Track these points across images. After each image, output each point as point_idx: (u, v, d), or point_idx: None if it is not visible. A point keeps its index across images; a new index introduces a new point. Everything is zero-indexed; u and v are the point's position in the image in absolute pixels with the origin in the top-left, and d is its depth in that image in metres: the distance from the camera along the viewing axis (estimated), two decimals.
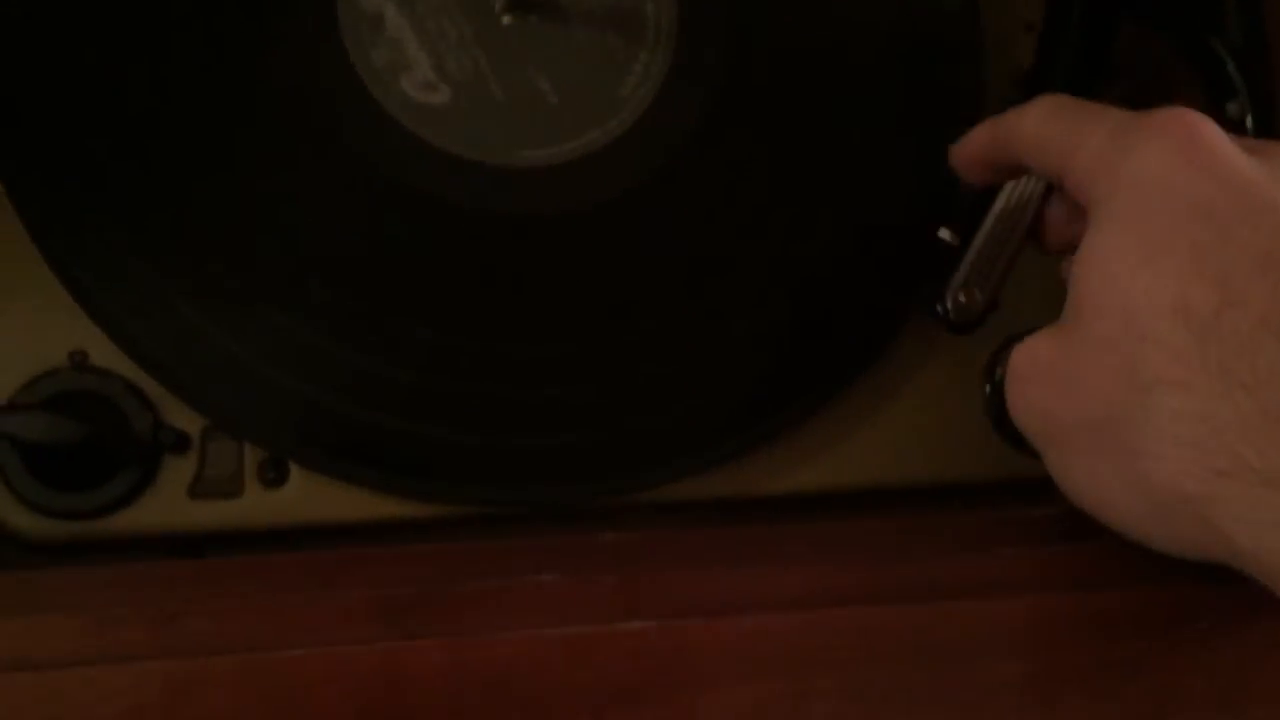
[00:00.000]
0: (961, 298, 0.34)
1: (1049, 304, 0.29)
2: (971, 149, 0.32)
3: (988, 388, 0.31)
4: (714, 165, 0.35)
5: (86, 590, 0.28)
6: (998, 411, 0.29)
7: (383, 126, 0.34)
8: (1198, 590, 0.26)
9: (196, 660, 0.24)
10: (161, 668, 0.24)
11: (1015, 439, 0.29)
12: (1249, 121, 0.33)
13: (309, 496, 0.35)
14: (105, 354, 0.34)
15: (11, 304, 0.34)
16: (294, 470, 0.35)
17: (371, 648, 0.24)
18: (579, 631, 0.24)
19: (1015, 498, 0.36)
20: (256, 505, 0.35)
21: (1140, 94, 0.34)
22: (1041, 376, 0.28)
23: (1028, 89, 0.35)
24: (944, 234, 0.34)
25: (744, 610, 0.24)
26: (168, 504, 0.34)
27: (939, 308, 0.34)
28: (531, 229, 0.35)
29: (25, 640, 0.24)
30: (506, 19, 0.35)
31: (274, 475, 0.35)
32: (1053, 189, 0.32)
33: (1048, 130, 0.29)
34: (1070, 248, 0.30)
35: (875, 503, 0.36)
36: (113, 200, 0.34)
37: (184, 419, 0.34)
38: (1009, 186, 0.32)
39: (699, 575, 0.25)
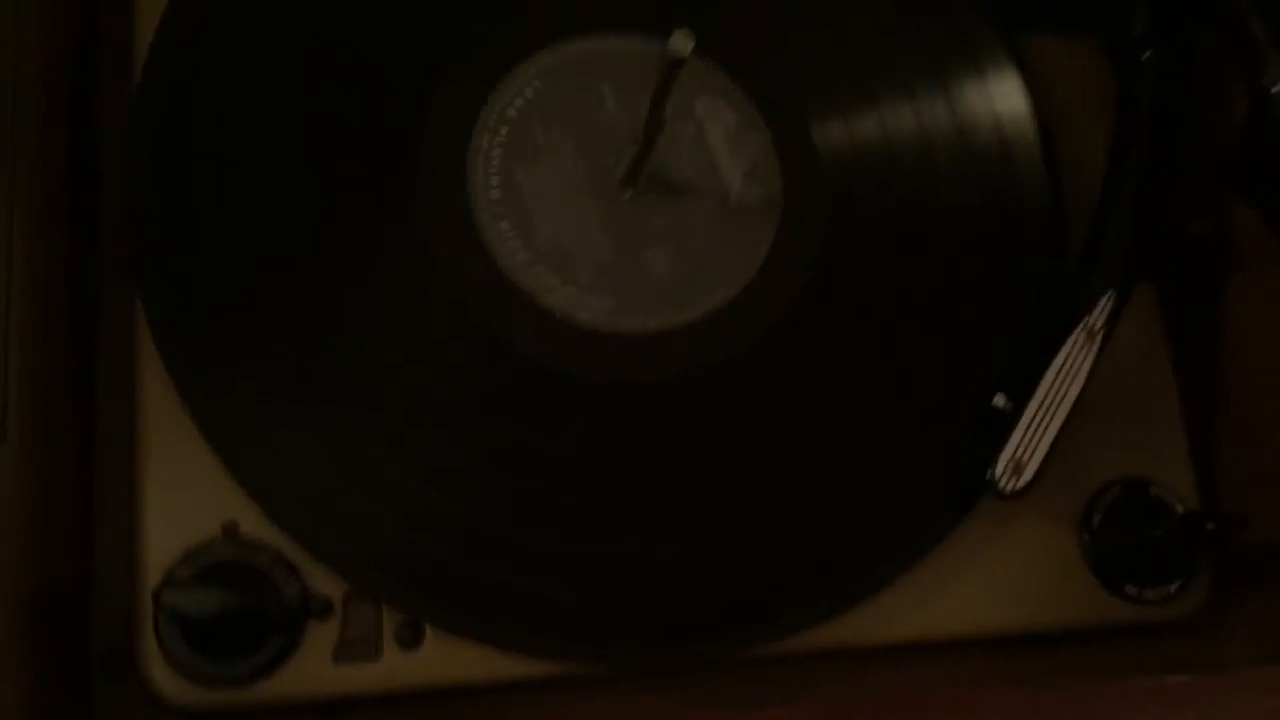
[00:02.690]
0: (1011, 466, 0.40)
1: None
2: None
3: (1086, 536, 0.36)
4: (815, 336, 0.40)
5: None
6: (1097, 558, 0.34)
7: (504, 291, 0.39)
8: None
9: None
10: None
11: (1113, 584, 0.34)
12: None
13: (445, 657, 0.37)
14: (255, 523, 0.37)
15: (168, 476, 0.37)
16: (429, 631, 0.37)
17: None
18: None
19: (1109, 642, 0.40)
20: (395, 667, 0.37)
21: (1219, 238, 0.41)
22: None
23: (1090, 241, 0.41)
24: (999, 401, 0.40)
25: None
26: (312, 669, 0.36)
27: (989, 475, 0.40)
28: (634, 395, 0.39)
29: None
30: (626, 194, 0.40)
31: (410, 636, 0.37)
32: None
33: None
34: None
35: (979, 649, 0.40)
36: (261, 376, 0.37)
37: (328, 585, 0.37)
38: (1060, 355, 0.39)
39: None
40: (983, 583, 0.41)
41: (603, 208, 0.40)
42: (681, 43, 0.33)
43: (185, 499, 0.37)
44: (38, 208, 0.37)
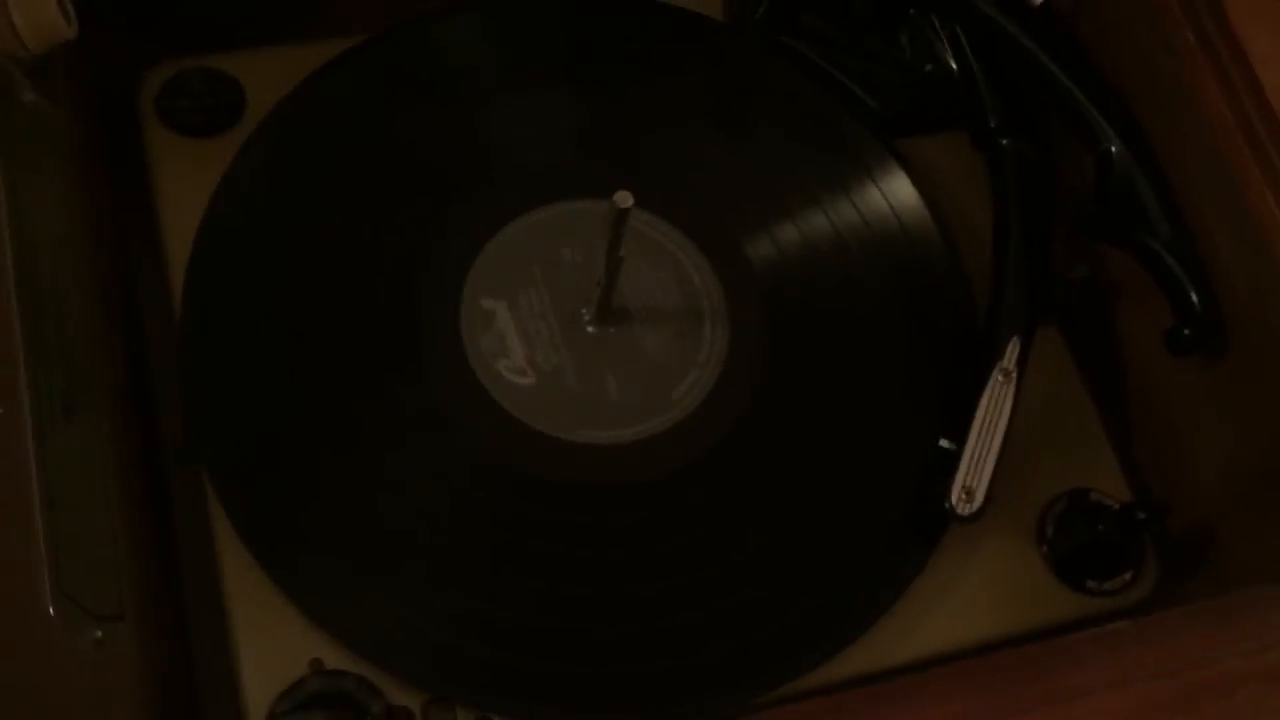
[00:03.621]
0: (963, 494, 0.46)
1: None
2: None
3: (1044, 547, 0.43)
4: (777, 420, 0.47)
5: None
6: (1057, 563, 0.41)
7: (478, 398, 0.46)
8: None
9: None
10: None
11: (1075, 582, 0.40)
12: (1194, 297, 0.45)
13: None
14: (337, 656, 0.43)
15: (256, 629, 0.43)
16: None
17: None
18: None
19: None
20: None
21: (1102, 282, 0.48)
22: None
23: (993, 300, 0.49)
24: (944, 443, 0.47)
25: None
26: None
27: (946, 504, 0.47)
28: (602, 494, 0.46)
29: None
30: (591, 328, 0.48)
31: None
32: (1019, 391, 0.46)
33: None
34: None
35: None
36: (323, 534, 0.44)
37: (406, 696, 0.43)
38: (985, 396, 0.46)
39: None
40: (961, 602, 0.47)
41: (580, 343, 0.48)
42: (623, 197, 0.41)
43: (274, 647, 0.43)
44: (119, 404, 0.44)
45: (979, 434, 0.47)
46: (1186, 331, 0.46)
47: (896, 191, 0.52)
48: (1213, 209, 0.45)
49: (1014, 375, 0.47)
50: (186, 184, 0.49)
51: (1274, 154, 0.42)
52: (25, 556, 0.35)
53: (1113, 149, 0.47)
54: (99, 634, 0.37)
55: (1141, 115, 0.47)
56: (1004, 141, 0.51)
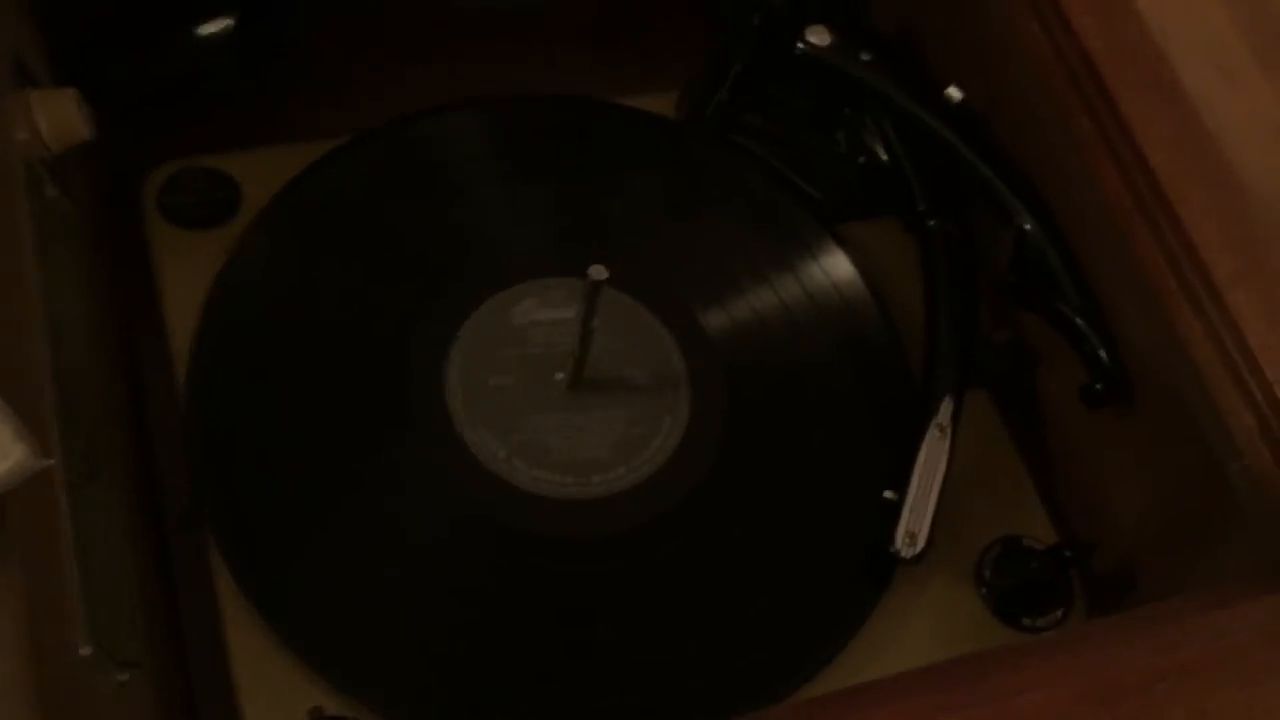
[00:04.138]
0: (907, 538, 0.51)
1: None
2: None
3: (983, 589, 0.48)
4: (736, 478, 0.52)
5: None
6: (995, 603, 0.46)
7: (461, 459, 0.50)
8: None
9: None
10: None
11: (1012, 620, 0.46)
12: (1103, 355, 0.50)
13: None
14: (336, 702, 0.46)
15: (258, 678, 0.46)
16: None
17: None
18: None
19: None
20: None
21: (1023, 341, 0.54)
22: None
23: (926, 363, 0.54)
24: (888, 494, 0.51)
25: None
26: None
27: (891, 549, 0.51)
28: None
29: None
30: (565, 393, 0.52)
31: None
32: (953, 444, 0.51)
33: None
34: None
35: None
36: (323, 590, 0.48)
37: None
38: (922, 449, 0.51)
39: None
40: (909, 640, 0.51)
41: (554, 406, 0.52)
42: (598, 271, 0.46)
43: (275, 693, 0.46)
44: (131, 470, 0.48)
45: (919, 483, 0.51)
46: (1098, 386, 0.51)
47: (836, 269, 0.58)
48: (1114, 276, 0.51)
49: (948, 430, 0.52)
50: (187, 272, 0.53)
51: (1164, 226, 0.47)
52: (62, 602, 0.38)
53: (1026, 226, 0.53)
54: (122, 678, 0.40)
55: (1049, 195, 0.53)
56: (931, 223, 0.57)
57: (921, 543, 0.51)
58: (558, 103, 0.61)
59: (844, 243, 0.58)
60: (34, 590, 0.34)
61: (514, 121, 0.59)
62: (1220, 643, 0.39)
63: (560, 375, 0.52)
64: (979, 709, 0.36)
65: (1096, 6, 0.50)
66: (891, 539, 0.51)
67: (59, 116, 0.47)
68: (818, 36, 0.57)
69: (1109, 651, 0.38)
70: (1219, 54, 0.49)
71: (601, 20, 0.64)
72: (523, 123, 0.60)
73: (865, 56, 0.57)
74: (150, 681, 0.43)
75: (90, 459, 0.44)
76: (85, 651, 0.38)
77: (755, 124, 0.60)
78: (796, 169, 0.60)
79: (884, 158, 0.59)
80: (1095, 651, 0.39)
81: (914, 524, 0.51)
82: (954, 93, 0.56)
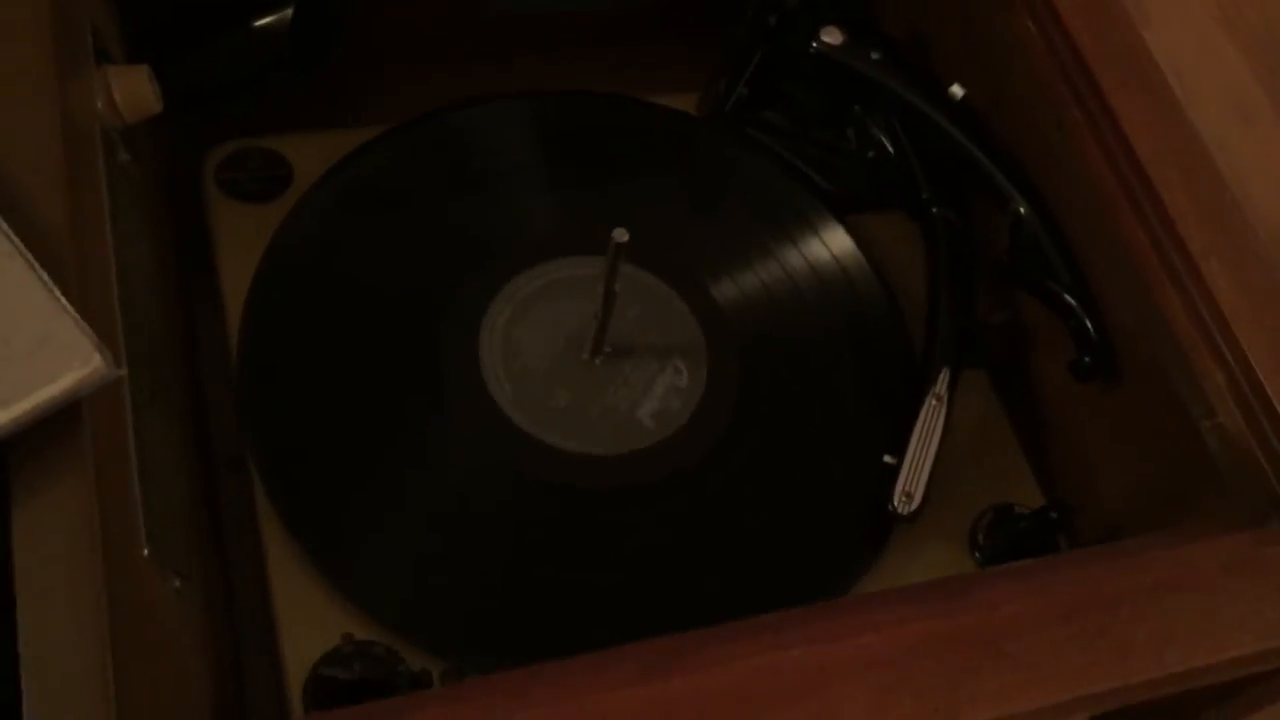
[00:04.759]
0: (904, 496, 0.54)
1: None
2: None
3: (976, 553, 0.51)
4: (749, 438, 0.56)
5: None
6: (988, 564, 0.50)
7: (489, 411, 0.54)
8: None
9: None
10: None
11: None
12: (1090, 328, 0.53)
13: None
14: (365, 628, 0.50)
15: (295, 604, 0.50)
16: None
17: None
18: None
19: None
20: None
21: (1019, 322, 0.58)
22: None
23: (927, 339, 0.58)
24: (887, 459, 0.55)
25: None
26: None
27: (890, 507, 0.54)
28: (591, 496, 0.54)
29: None
30: (587, 358, 0.56)
31: None
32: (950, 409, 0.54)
33: None
34: None
35: None
36: (357, 523, 0.52)
37: (426, 661, 0.50)
38: (920, 417, 0.55)
39: None
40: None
41: (577, 370, 0.56)
42: (620, 233, 0.50)
43: (311, 620, 0.50)
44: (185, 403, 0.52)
45: (916, 446, 0.55)
46: (1086, 359, 0.55)
47: (843, 252, 0.62)
48: (1101, 256, 0.54)
49: (945, 399, 0.56)
50: (242, 241, 0.58)
51: (1148, 208, 0.51)
52: (126, 506, 0.42)
53: (1021, 210, 0.57)
54: (178, 584, 0.44)
55: (1042, 181, 0.57)
56: (934, 210, 0.61)
57: (917, 500, 0.54)
58: (589, 98, 0.65)
59: (849, 226, 0.62)
60: (103, 489, 0.38)
61: (549, 113, 0.64)
62: (1183, 570, 0.42)
63: (584, 340, 0.56)
64: (959, 618, 0.40)
65: (1086, 6, 0.54)
66: (890, 497, 0.54)
67: (133, 90, 0.51)
68: (831, 37, 0.61)
69: (1078, 574, 0.42)
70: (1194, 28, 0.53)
71: (630, 24, 0.69)
72: (557, 115, 0.64)
73: (875, 56, 0.61)
74: (200, 593, 0.47)
75: (152, 388, 0.48)
76: (146, 552, 0.42)
77: (771, 120, 0.65)
78: (809, 162, 0.64)
79: (890, 151, 0.63)
80: (1066, 573, 0.42)
81: (910, 484, 0.54)
82: (957, 90, 0.60)
